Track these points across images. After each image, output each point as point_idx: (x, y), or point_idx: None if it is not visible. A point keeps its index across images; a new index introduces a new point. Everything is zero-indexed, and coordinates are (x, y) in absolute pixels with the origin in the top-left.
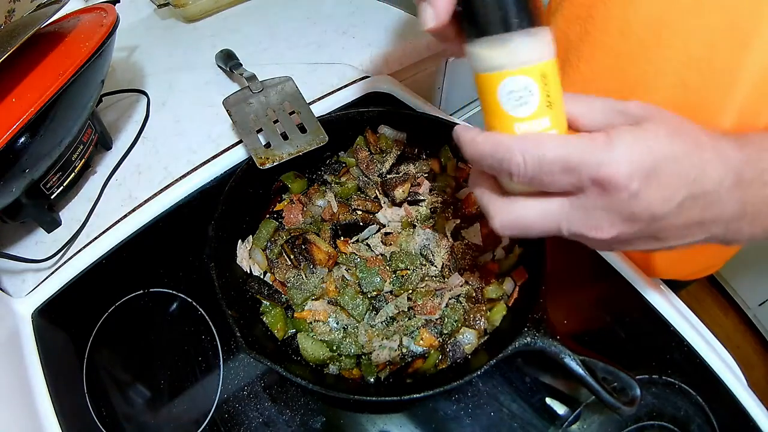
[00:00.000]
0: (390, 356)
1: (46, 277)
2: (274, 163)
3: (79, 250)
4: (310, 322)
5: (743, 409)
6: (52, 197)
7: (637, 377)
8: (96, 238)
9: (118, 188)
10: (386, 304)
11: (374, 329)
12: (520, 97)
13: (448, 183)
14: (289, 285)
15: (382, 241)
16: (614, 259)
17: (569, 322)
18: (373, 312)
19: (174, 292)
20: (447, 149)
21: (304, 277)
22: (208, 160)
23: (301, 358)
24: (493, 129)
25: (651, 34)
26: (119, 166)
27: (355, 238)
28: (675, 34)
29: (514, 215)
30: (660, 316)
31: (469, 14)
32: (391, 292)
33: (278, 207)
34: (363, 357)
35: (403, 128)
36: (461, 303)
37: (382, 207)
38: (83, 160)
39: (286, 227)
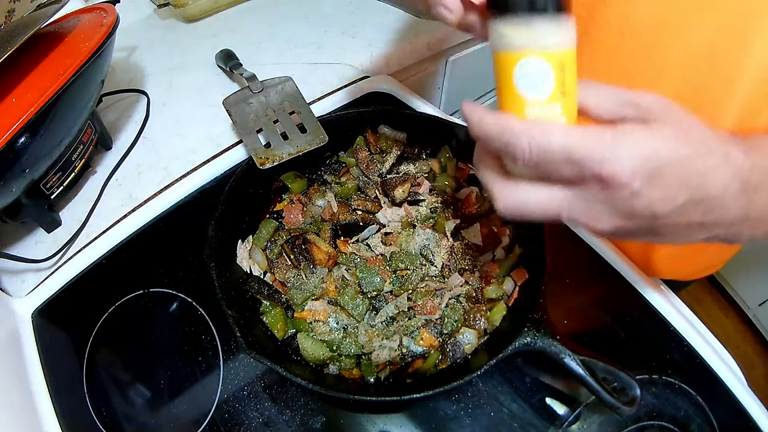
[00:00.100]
0: (390, 356)
1: (46, 277)
2: (274, 163)
3: (79, 250)
4: (310, 322)
5: (743, 409)
6: (52, 197)
7: (637, 377)
8: (96, 238)
9: (118, 188)
10: (386, 304)
11: (374, 329)
12: (535, 80)
13: (448, 183)
14: (289, 285)
15: (382, 241)
16: (614, 259)
17: (569, 322)
18: (373, 312)
19: (174, 292)
20: (447, 149)
21: (304, 277)
22: (208, 160)
23: (301, 358)
24: (504, 108)
25: (651, 34)
26: (119, 166)
27: (355, 238)
28: (675, 33)
29: (516, 199)
30: (660, 316)
31: None
32: (391, 292)
33: (278, 207)
34: (363, 357)
35: (403, 128)
36: (461, 303)
37: (382, 207)
38: (83, 160)
39: (286, 227)
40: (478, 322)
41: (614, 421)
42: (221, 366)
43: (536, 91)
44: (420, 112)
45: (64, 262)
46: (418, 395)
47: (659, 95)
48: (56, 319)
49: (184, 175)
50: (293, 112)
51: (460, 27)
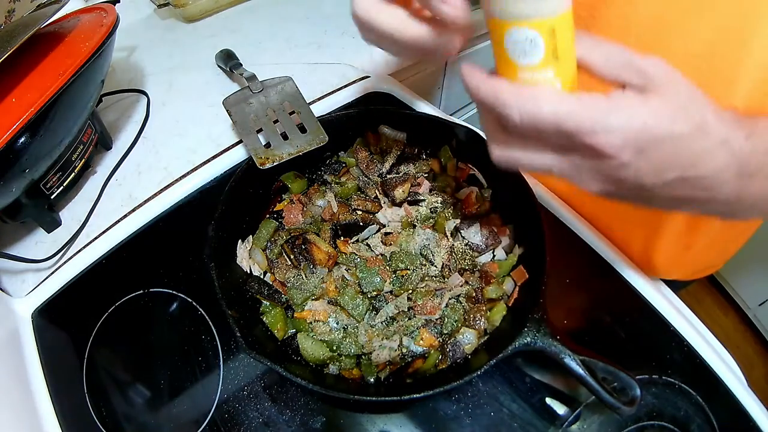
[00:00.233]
0: (390, 356)
1: (46, 277)
2: (274, 163)
3: (79, 250)
4: (310, 322)
5: (743, 409)
6: (52, 197)
7: (637, 377)
8: (96, 238)
9: (118, 188)
10: (386, 304)
11: (374, 329)
12: (525, 47)
13: (448, 183)
14: (289, 285)
15: (382, 241)
16: (614, 259)
17: (569, 322)
18: (373, 312)
19: (174, 292)
20: (447, 149)
21: (304, 277)
22: (208, 160)
23: (301, 358)
24: (499, 71)
25: (651, 34)
26: (119, 166)
27: (355, 238)
28: (675, 33)
29: (510, 155)
30: (660, 316)
31: None
32: (391, 292)
33: (278, 207)
34: (363, 357)
35: (403, 128)
36: (461, 303)
37: (382, 207)
38: (83, 160)
39: (286, 227)
40: (478, 322)
41: (614, 421)
42: (221, 366)
43: (527, 58)
44: (420, 112)
45: (64, 262)
46: (418, 395)
47: (666, 64)
48: (56, 319)
49: (184, 175)
50: (293, 112)
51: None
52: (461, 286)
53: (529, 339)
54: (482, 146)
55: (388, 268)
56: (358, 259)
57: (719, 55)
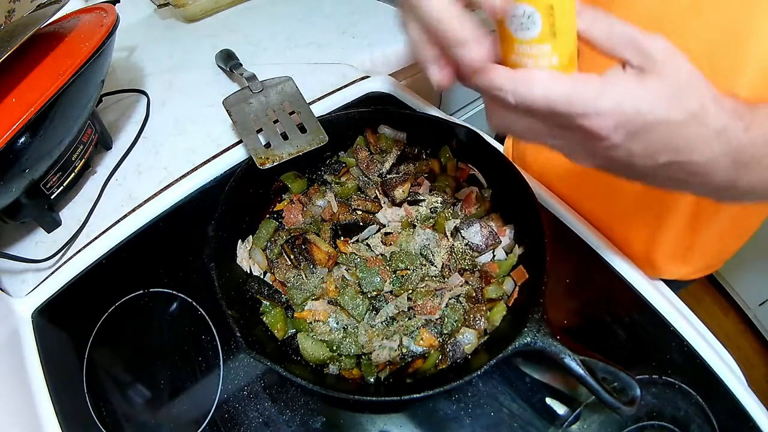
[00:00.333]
0: (390, 356)
1: (46, 277)
2: (274, 163)
3: (79, 250)
4: (310, 322)
5: (743, 409)
6: (52, 197)
7: (637, 377)
8: (96, 238)
9: (118, 188)
10: (386, 304)
11: (374, 329)
12: (522, 22)
13: (448, 183)
14: (289, 285)
15: (382, 241)
16: (614, 259)
17: (569, 322)
18: (373, 312)
19: (174, 292)
20: (447, 149)
21: (304, 277)
22: (208, 160)
23: (301, 358)
24: (500, 43)
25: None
26: (119, 166)
27: (355, 238)
28: (674, 33)
29: (506, 122)
30: (660, 316)
31: None
32: (391, 292)
33: (278, 207)
34: (363, 357)
35: (403, 128)
36: (461, 303)
37: (382, 207)
38: (83, 160)
39: (286, 227)
40: (478, 322)
41: (614, 421)
42: (221, 366)
43: (525, 32)
44: (420, 112)
45: (64, 262)
46: (418, 395)
47: (669, 44)
48: (56, 319)
49: (184, 175)
50: (293, 112)
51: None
52: (461, 286)
53: (529, 339)
54: (482, 146)
55: (388, 268)
56: (358, 259)
57: (719, 54)
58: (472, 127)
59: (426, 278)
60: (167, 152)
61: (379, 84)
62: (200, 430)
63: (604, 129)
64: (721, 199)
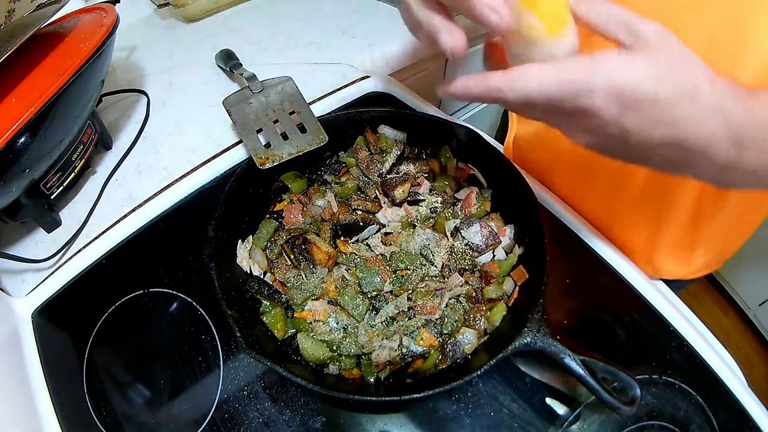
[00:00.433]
0: (390, 356)
1: (46, 277)
2: (274, 163)
3: (79, 250)
4: (310, 322)
5: (743, 409)
6: (52, 197)
7: (637, 377)
8: (96, 238)
9: (118, 188)
10: (386, 304)
11: (374, 329)
12: None
13: (448, 183)
14: (289, 285)
15: (382, 241)
16: (614, 259)
17: (569, 322)
18: (373, 312)
19: (174, 292)
20: (447, 149)
21: (304, 277)
22: (208, 160)
23: (301, 358)
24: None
25: None
26: (119, 166)
27: (355, 238)
28: (673, 29)
29: (512, 109)
30: (660, 316)
31: None
32: (391, 292)
33: (278, 207)
34: (363, 357)
35: (403, 128)
36: (461, 303)
37: (382, 207)
38: (83, 160)
39: (286, 227)
40: (478, 322)
41: (614, 421)
42: (221, 366)
43: None
44: (420, 112)
45: (64, 262)
46: (418, 395)
47: (662, 27)
48: (56, 319)
49: (184, 175)
50: (293, 112)
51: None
52: (461, 286)
53: (529, 339)
54: (482, 146)
55: (388, 268)
56: (358, 259)
57: (718, 50)
58: (472, 127)
59: (426, 278)
60: (167, 152)
61: (379, 84)
62: (200, 430)
63: (595, 105)
64: (723, 185)
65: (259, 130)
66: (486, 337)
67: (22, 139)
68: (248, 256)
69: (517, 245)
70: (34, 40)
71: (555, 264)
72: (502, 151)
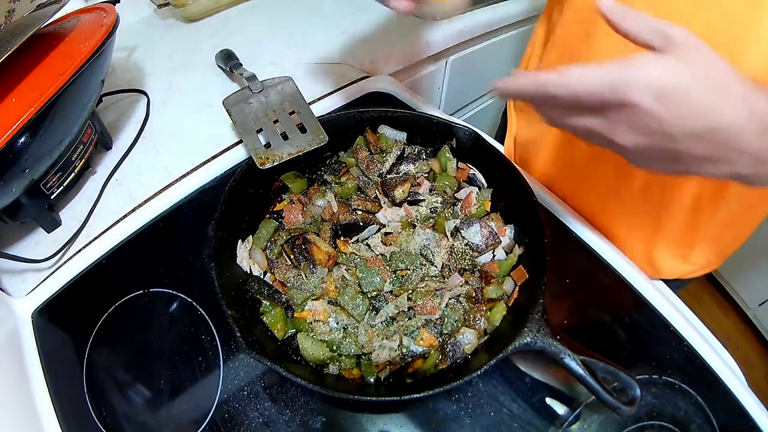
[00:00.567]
0: (390, 356)
1: (46, 277)
2: (274, 163)
3: (79, 250)
4: (310, 322)
5: (743, 409)
6: (52, 197)
7: (637, 377)
8: (96, 238)
9: (118, 188)
10: (386, 304)
11: (374, 329)
12: None
13: (448, 183)
14: (289, 285)
15: (382, 241)
16: (614, 259)
17: (569, 322)
18: (373, 312)
19: (174, 292)
20: (447, 149)
21: (304, 277)
22: (208, 160)
23: (301, 358)
24: None
25: None
26: (119, 166)
27: (355, 238)
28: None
29: (560, 120)
30: (660, 316)
31: None
32: (391, 292)
33: (278, 207)
34: (363, 357)
35: (403, 128)
36: (461, 303)
37: (382, 207)
38: (83, 160)
39: (286, 227)
40: (478, 322)
41: (614, 421)
42: (221, 366)
43: None
44: (420, 112)
45: (64, 262)
46: (418, 395)
47: (689, 32)
48: (56, 319)
49: (184, 175)
50: (293, 112)
51: None
52: (461, 286)
53: (529, 339)
54: (482, 146)
55: (388, 268)
56: (358, 259)
57: (719, 52)
58: (472, 127)
59: (426, 278)
60: (167, 152)
61: (379, 84)
62: (200, 430)
63: (633, 96)
64: (754, 181)
65: (259, 130)
66: (486, 337)
67: (22, 139)
68: (248, 256)
69: (517, 245)
70: (34, 40)
71: (555, 264)
72: (502, 151)
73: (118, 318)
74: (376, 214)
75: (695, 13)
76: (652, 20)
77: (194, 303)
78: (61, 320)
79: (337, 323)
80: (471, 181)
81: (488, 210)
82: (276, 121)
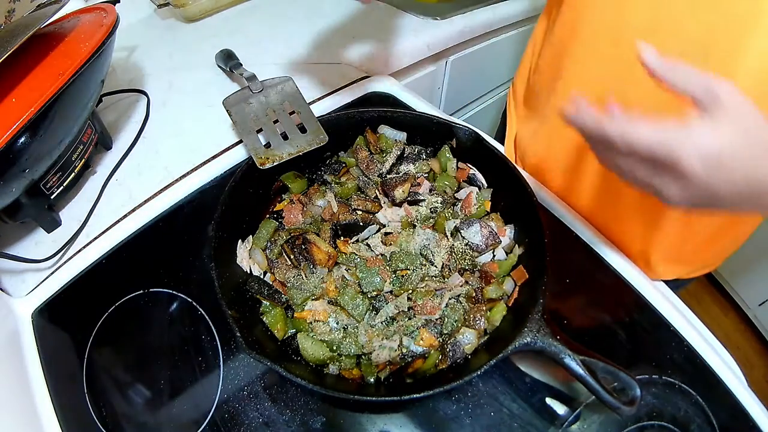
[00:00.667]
0: (390, 356)
1: (46, 277)
2: (274, 163)
3: (79, 250)
4: (310, 322)
5: (743, 409)
6: (52, 197)
7: (637, 377)
8: (96, 238)
9: (118, 188)
10: (386, 304)
11: (374, 329)
12: None
13: (448, 183)
14: (289, 285)
15: (382, 241)
16: (614, 258)
17: (569, 322)
18: (373, 312)
19: (174, 292)
20: (447, 149)
21: (304, 277)
22: (208, 160)
23: (301, 358)
24: None
25: (644, 38)
26: (119, 166)
27: (355, 238)
28: (669, 35)
29: (614, 162)
30: (660, 316)
31: None
32: (391, 292)
33: (278, 207)
34: (363, 357)
35: (403, 128)
36: (461, 303)
37: (382, 207)
38: (83, 160)
39: (286, 227)
40: (478, 322)
41: (614, 421)
42: (221, 366)
43: None
44: (420, 112)
45: (64, 262)
46: (418, 395)
47: (735, 89)
48: (56, 319)
49: (184, 175)
50: (293, 112)
51: None
52: (461, 286)
53: (529, 339)
54: (482, 146)
55: (388, 268)
56: (358, 259)
57: (715, 54)
58: (472, 127)
59: (426, 278)
60: (167, 152)
61: (379, 84)
62: (200, 430)
63: (692, 166)
64: None
65: (259, 130)
66: (486, 337)
67: (22, 139)
68: (248, 256)
69: (517, 245)
70: (34, 40)
71: (555, 264)
72: (502, 151)
73: (118, 318)
74: (376, 214)
75: (695, 13)
76: (701, 76)
77: (194, 303)
78: (61, 320)
79: (337, 323)
80: (471, 181)
81: (488, 210)
82: (276, 121)
